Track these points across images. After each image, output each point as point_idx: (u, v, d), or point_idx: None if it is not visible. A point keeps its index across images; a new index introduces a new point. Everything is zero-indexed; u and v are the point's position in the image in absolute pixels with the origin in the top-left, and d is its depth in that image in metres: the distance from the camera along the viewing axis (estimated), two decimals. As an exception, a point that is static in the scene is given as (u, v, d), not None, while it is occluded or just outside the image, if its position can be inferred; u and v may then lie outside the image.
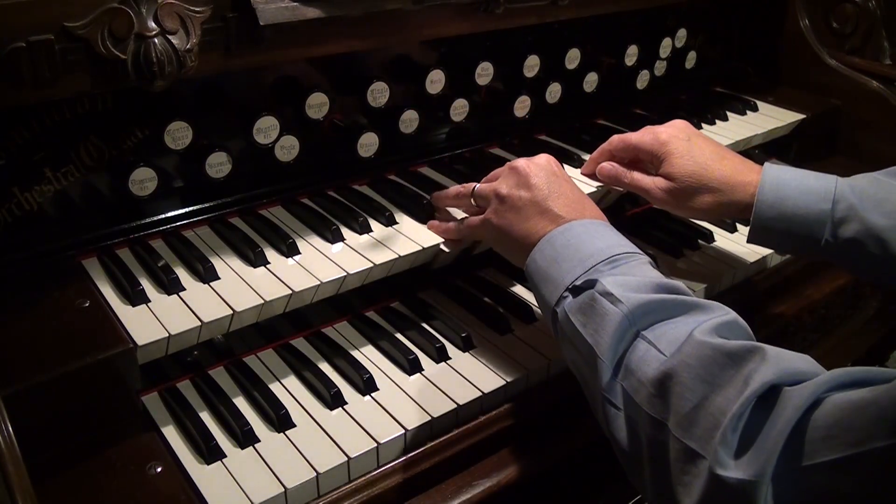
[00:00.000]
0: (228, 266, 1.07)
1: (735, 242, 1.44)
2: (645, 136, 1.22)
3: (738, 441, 0.71)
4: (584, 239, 0.96)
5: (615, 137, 1.27)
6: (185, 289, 1.02)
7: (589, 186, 1.29)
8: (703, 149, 1.19)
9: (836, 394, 0.69)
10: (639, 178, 1.22)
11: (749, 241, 1.17)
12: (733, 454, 0.70)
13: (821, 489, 0.67)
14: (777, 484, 0.68)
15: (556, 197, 1.03)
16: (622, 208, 1.52)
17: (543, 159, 1.09)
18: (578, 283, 0.91)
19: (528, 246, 1.00)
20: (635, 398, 0.81)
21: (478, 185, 1.13)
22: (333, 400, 1.00)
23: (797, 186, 1.11)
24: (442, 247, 1.16)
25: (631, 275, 0.90)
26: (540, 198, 1.03)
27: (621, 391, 0.84)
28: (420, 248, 1.14)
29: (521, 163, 1.08)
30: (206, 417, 0.98)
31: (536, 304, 1.21)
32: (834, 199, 1.09)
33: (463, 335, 1.11)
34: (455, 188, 1.20)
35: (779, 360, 0.73)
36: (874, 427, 0.64)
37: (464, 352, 1.11)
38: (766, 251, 1.41)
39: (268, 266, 1.07)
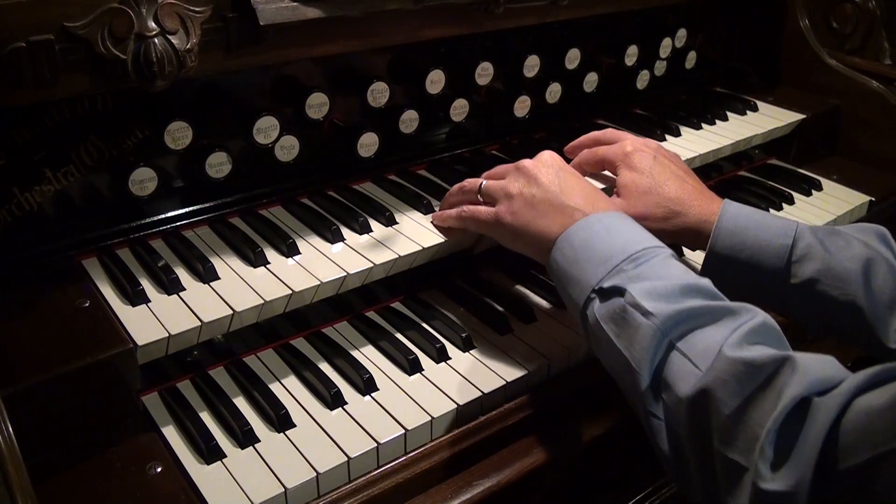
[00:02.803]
0: (228, 266, 1.07)
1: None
2: (612, 146, 1.21)
3: (774, 453, 0.73)
4: (603, 236, 0.96)
5: (586, 152, 1.25)
6: (185, 289, 1.02)
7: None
8: (665, 167, 1.16)
9: (862, 397, 0.71)
10: None
11: (702, 271, 1.11)
12: (771, 466, 0.72)
13: (854, 491, 0.69)
14: (815, 491, 0.70)
15: (569, 191, 1.03)
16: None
17: (548, 156, 1.10)
18: (605, 286, 0.91)
19: (547, 243, 1.00)
20: (676, 413, 0.83)
21: (485, 182, 1.13)
22: (333, 400, 1.00)
23: (758, 220, 1.09)
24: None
25: (656, 277, 0.90)
26: (552, 194, 1.03)
27: (663, 405, 0.85)
28: (420, 247, 1.14)
29: (528, 162, 1.08)
30: (206, 417, 0.98)
31: (536, 305, 1.22)
32: (795, 237, 1.07)
33: (463, 335, 1.11)
34: (459, 185, 1.19)
35: (808, 371, 0.75)
36: (892, 430, 0.67)
37: (464, 352, 1.11)
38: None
39: (268, 266, 1.07)
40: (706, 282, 0.91)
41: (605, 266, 0.92)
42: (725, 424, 0.77)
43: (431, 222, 1.20)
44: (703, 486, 0.81)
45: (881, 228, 1.11)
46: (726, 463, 0.76)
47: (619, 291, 0.90)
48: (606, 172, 1.26)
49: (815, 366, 0.76)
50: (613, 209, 1.03)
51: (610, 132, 1.26)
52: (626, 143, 1.20)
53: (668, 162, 1.18)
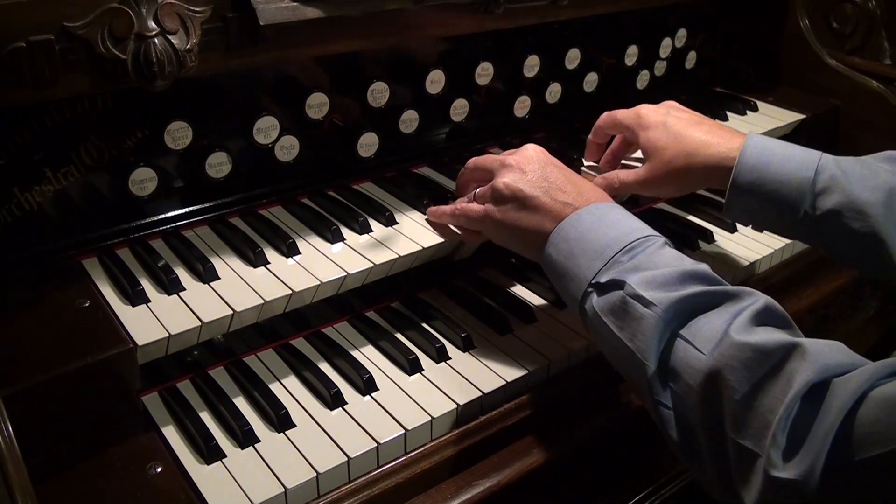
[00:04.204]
0: (228, 266, 1.07)
1: (735, 243, 1.44)
2: (627, 111, 1.25)
3: (787, 441, 0.72)
4: (596, 228, 0.96)
5: (605, 114, 1.29)
6: (185, 289, 1.02)
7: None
8: (679, 119, 1.20)
9: (880, 387, 0.71)
10: (622, 175, 1.24)
11: (725, 209, 1.15)
12: (783, 455, 0.72)
13: (869, 484, 0.69)
14: (827, 481, 0.69)
15: (556, 186, 1.03)
16: (622, 208, 1.51)
17: (531, 150, 1.11)
18: (603, 280, 0.91)
19: (539, 240, 1.01)
20: (688, 401, 0.83)
21: (478, 191, 1.13)
22: (333, 400, 1.00)
23: (781, 153, 1.11)
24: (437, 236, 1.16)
25: (653, 266, 0.90)
26: (540, 190, 1.03)
27: (670, 392, 0.85)
28: (420, 247, 1.14)
29: (512, 159, 1.09)
30: (206, 417, 0.98)
31: (536, 305, 1.22)
32: (817, 169, 1.08)
33: (463, 335, 1.11)
34: (451, 207, 1.16)
35: (817, 357, 0.75)
36: None
37: (464, 352, 1.11)
38: (765, 251, 1.41)
39: (268, 266, 1.07)
40: (704, 267, 0.91)
41: (601, 259, 0.93)
42: (736, 410, 0.77)
43: (427, 219, 1.20)
44: (717, 471, 0.81)
45: None
46: (738, 449, 0.76)
47: (617, 284, 0.90)
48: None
49: (825, 351, 0.76)
50: (602, 197, 1.03)
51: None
52: (639, 107, 1.24)
53: (681, 113, 1.23)
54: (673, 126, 1.18)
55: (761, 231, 1.43)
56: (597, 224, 0.97)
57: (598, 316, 0.91)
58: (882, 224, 1.04)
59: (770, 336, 0.79)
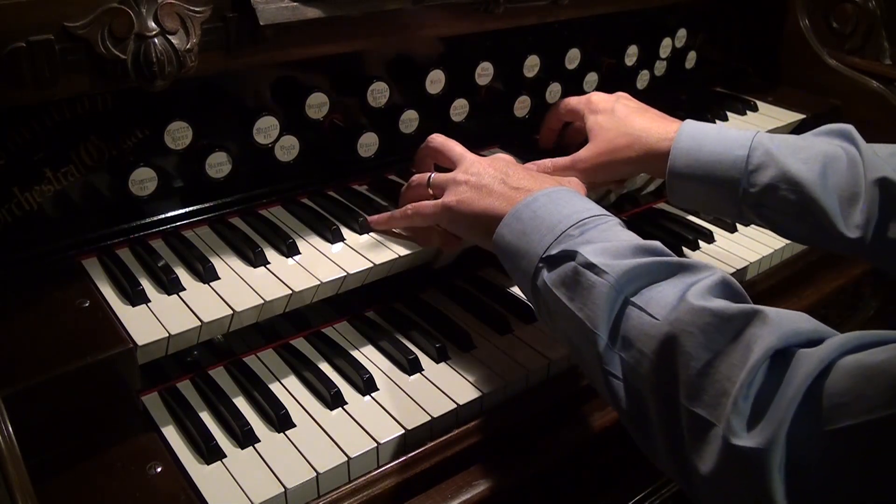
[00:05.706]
0: (228, 266, 1.07)
1: (735, 243, 1.44)
2: (579, 97, 1.32)
3: (750, 409, 0.70)
4: (550, 208, 0.95)
5: (560, 101, 1.38)
6: (185, 289, 1.02)
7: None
8: (626, 106, 1.25)
9: (849, 356, 0.68)
10: (559, 160, 1.27)
11: (668, 195, 1.18)
12: (746, 423, 0.70)
13: (834, 455, 0.66)
14: (790, 450, 0.67)
15: (514, 174, 1.04)
16: (622, 208, 1.52)
17: (499, 154, 1.14)
18: (553, 252, 0.90)
19: (492, 222, 1.00)
20: (639, 370, 0.80)
21: (433, 175, 1.13)
22: (333, 400, 1.00)
23: (715, 135, 1.13)
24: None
25: (606, 240, 0.89)
26: (497, 180, 1.04)
27: (620, 362, 0.83)
28: (420, 248, 1.14)
29: (475, 156, 1.11)
30: (206, 417, 0.98)
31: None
32: (751, 146, 1.09)
33: (462, 336, 1.11)
34: (407, 183, 1.18)
35: (780, 323, 0.73)
36: (885, 395, 0.64)
37: (463, 352, 1.11)
38: (765, 251, 1.41)
39: (268, 266, 1.07)
40: (657, 243, 0.89)
41: (552, 234, 0.92)
42: (691, 377, 0.74)
43: (376, 228, 1.17)
44: (667, 444, 0.78)
45: (846, 126, 1.13)
46: (692, 418, 0.74)
47: (569, 256, 0.88)
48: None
49: (788, 317, 0.74)
50: (562, 185, 1.03)
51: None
52: (591, 94, 1.32)
53: (629, 101, 1.28)
54: (619, 112, 1.23)
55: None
56: (551, 205, 0.96)
57: (550, 290, 0.89)
58: (819, 192, 1.05)
59: (728, 304, 0.76)
